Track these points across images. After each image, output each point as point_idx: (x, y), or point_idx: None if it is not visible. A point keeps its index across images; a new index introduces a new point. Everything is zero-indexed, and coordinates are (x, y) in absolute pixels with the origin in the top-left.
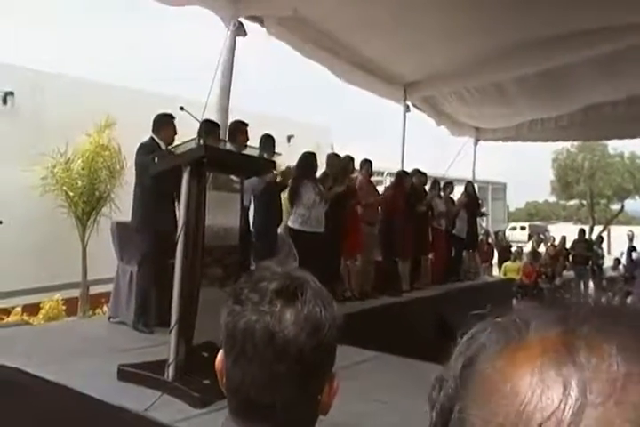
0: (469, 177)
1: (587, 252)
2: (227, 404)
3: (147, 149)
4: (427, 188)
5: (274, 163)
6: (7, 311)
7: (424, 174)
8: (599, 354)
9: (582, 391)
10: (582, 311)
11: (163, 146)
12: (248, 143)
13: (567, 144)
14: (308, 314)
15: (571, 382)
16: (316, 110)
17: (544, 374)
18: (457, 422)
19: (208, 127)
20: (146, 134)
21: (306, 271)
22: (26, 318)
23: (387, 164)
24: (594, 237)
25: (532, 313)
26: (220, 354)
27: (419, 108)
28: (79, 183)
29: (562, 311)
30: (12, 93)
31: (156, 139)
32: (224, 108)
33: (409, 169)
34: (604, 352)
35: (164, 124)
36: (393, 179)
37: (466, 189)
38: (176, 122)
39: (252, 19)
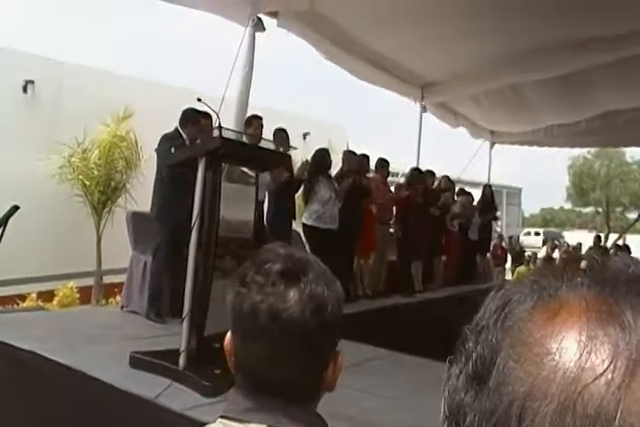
0: (484, 180)
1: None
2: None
3: (170, 140)
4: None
5: (289, 157)
6: (23, 297)
7: (448, 178)
8: None
9: (632, 353)
10: (616, 274)
11: (186, 140)
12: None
13: (584, 151)
14: (311, 293)
15: (619, 344)
16: (331, 108)
17: (591, 332)
18: (501, 373)
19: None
20: (162, 126)
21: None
22: (41, 304)
23: (402, 165)
24: (609, 245)
25: (562, 274)
26: (229, 334)
27: (433, 113)
28: (95, 173)
29: (594, 274)
30: (32, 82)
31: (180, 131)
32: (243, 103)
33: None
34: None
35: (194, 120)
36: (405, 178)
37: (484, 192)
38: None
39: (269, 14)
